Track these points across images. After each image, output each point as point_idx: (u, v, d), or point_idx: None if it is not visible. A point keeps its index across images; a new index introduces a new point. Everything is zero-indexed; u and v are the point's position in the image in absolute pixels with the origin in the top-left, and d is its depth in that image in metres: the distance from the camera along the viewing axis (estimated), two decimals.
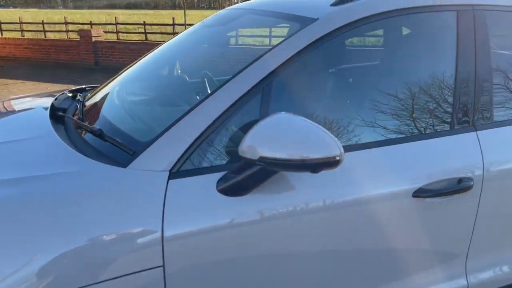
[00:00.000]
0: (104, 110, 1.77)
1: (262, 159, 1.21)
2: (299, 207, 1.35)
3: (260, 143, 1.21)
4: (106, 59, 11.57)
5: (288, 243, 1.36)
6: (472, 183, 1.53)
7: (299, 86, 1.47)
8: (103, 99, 1.96)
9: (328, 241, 1.40)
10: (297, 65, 1.43)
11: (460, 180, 1.53)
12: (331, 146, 1.20)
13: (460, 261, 1.67)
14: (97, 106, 1.86)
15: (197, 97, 2.23)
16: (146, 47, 11.26)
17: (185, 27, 17.19)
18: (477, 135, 1.61)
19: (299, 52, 1.43)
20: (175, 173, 1.29)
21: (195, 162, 1.32)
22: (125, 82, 2.09)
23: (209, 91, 2.33)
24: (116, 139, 1.41)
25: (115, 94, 1.96)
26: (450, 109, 1.60)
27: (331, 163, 1.20)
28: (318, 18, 1.50)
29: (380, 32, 1.60)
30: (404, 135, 1.53)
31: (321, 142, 1.20)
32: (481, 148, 1.59)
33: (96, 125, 1.57)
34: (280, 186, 1.34)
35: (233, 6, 2.15)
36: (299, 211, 1.35)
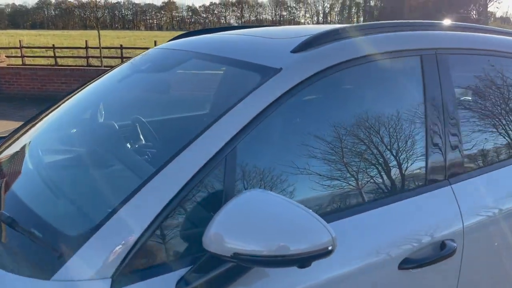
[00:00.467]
0: (15, 183, 1.39)
1: (235, 256, 0.95)
2: None
3: (229, 232, 0.97)
4: (10, 86, 10.52)
5: None
6: (455, 244, 1.40)
7: (267, 152, 1.24)
8: (13, 162, 1.56)
9: None
10: (264, 125, 1.19)
11: (443, 244, 1.38)
12: (320, 232, 0.98)
13: None
14: (5, 175, 1.46)
15: (128, 145, 1.92)
16: (56, 72, 10.42)
17: (100, 51, 16.28)
18: (452, 189, 1.49)
19: (264, 110, 1.20)
20: (119, 279, 0.98)
21: (145, 260, 1.02)
22: (41, 136, 1.71)
23: (142, 138, 2.02)
24: (35, 233, 1.06)
25: (27, 154, 1.57)
26: (423, 165, 1.46)
27: (321, 254, 0.97)
28: (281, 69, 1.28)
29: (349, 80, 1.43)
30: (381, 198, 1.36)
31: (307, 228, 0.98)
32: (458, 203, 1.47)
33: (6, 210, 1.19)
34: (251, 276, 1.08)
35: (171, 45, 1.83)
36: None
